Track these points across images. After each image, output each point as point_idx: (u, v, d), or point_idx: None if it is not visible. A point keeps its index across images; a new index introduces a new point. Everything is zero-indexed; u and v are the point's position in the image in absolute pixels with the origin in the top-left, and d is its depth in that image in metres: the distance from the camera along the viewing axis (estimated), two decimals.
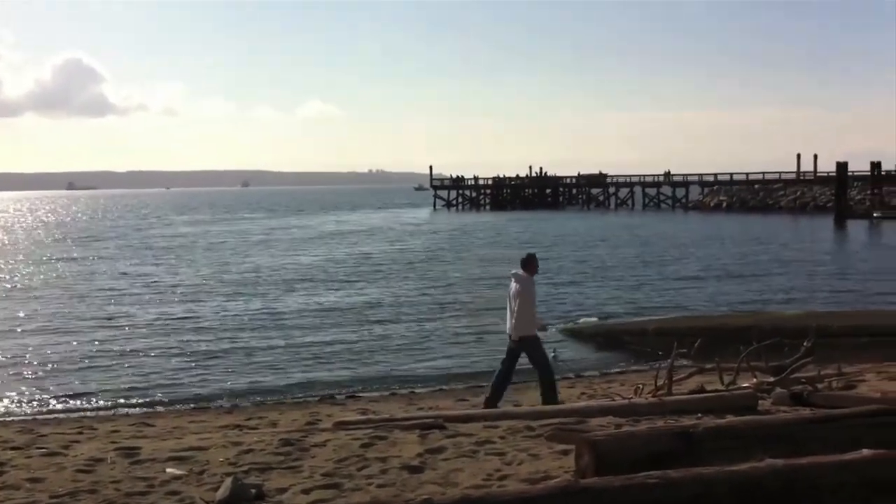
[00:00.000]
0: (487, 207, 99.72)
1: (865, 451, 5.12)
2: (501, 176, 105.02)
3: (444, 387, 13.83)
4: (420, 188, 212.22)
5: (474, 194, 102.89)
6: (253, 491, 5.53)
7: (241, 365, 15.85)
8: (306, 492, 5.60)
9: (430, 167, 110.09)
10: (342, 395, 13.30)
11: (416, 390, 13.55)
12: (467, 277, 30.43)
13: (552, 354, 14.73)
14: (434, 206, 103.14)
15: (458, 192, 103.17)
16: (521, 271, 10.65)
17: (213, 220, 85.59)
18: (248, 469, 6.28)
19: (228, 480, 5.53)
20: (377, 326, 20.10)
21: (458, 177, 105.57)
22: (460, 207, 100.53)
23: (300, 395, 13.45)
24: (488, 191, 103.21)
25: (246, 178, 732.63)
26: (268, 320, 21.07)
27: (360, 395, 13.39)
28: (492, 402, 10.29)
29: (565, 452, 6.21)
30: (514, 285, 10.57)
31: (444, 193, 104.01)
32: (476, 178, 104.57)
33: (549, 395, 10.20)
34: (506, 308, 10.66)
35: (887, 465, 4.99)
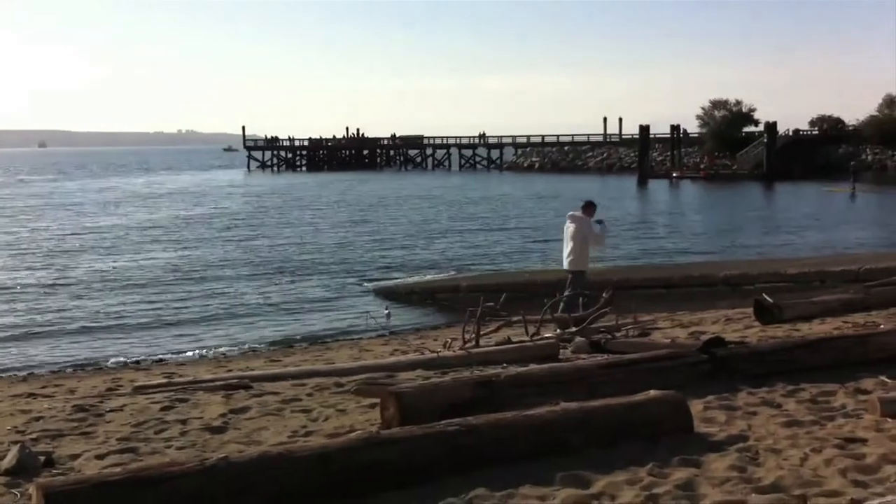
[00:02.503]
0: (303, 169, 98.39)
1: (652, 392, 5.40)
2: (318, 137, 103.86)
3: (256, 346, 13.60)
4: (229, 149, 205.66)
5: (290, 155, 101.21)
6: (42, 458, 5.22)
7: (35, 334, 14.98)
8: (100, 457, 5.34)
9: (244, 127, 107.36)
10: (148, 360, 12.82)
11: (227, 353, 13.24)
12: (281, 242, 30.01)
13: (385, 312, 14.85)
14: (248, 167, 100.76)
15: (273, 154, 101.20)
16: (579, 212, 12.14)
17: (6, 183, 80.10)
18: (37, 437, 5.94)
19: (15, 449, 5.19)
20: (190, 288, 19.53)
21: (272, 137, 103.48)
22: (275, 169, 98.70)
23: (101, 362, 12.86)
24: (304, 152, 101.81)
25: (42, 139, 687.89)
26: (75, 287, 20.02)
27: (168, 359, 12.95)
28: (576, 321, 10.51)
29: (373, 406, 6.22)
30: (571, 225, 12.04)
31: (258, 155, 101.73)
32: (291, 139, 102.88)
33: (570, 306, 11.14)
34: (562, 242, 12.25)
35: (669, 405, 5.29)
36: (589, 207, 12.29)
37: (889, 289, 11.31)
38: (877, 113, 78.83)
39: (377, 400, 5.98)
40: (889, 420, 5.41)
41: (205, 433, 5.87)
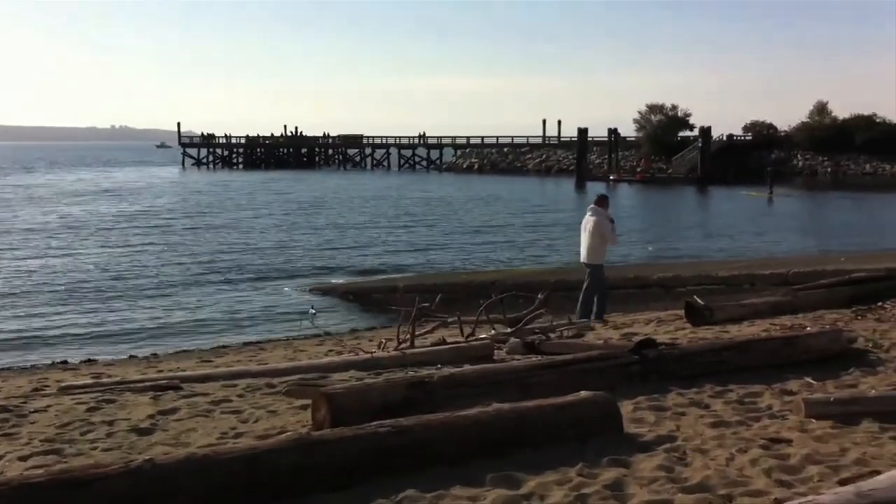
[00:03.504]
0: (240, 167, 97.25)
1: (583, 393, 5.44)
2: (256, 135, 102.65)
3: (187, 347, 13.38)
4: (163, 146, 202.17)
5: (226, 153, 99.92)
6: None
7: None
8: (23, 459, 5.20)
9: (178, 124, 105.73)
10: (76, 360, 12.52)
11: (158, 352, 13.00)
12: (217, 242, 29.63)
13: (312, 312, 14.69)
14: (183, 164, 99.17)
15: (210, 151, 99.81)
16: (597, 207, 12.48)
17: None
18: None
19: None
20: (122, 288, 19.15)
21: (208, 134, 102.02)
22: (211, 166, 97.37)
23: (28, 362, 12.53)
24: (241, 150, 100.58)
25: None
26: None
27: (97, 358, 12.67)
28: (599, 315, 12.03)
29: (304, 408, 6.15)
30: (592, 218, 12.36)
31: (193, 152, 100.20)
32: (228, 137, 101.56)
33: (585, 308, 12.19)
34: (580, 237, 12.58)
35: (599, 406, 5.34)
36: (603, 201, 12.71)
37: (816, 292, 11.56)
38: (808, 119, 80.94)
39: (309, 401, 5.92)
40: (813, 421, 5.53)
41: (132, 435, 5.75)
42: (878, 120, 78.74)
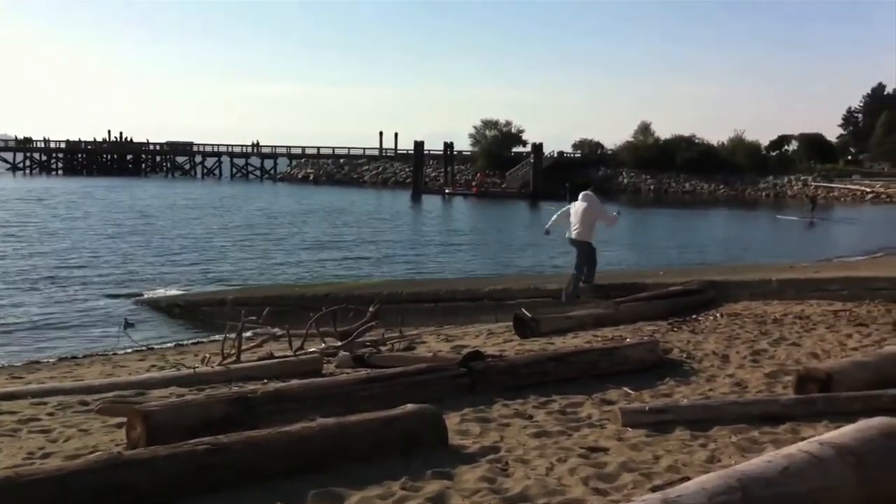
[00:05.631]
0: (60, 173, 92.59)
1: (409, 406, 5.43)
2: (77, 139, 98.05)
3: None
4: None
5: (44, 158, 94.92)
6: None
7: None
8: None
9: None
10: None
11: None
12: (33, 252, 28.06)
13: (125, 324, 14.04)
14: None
15: (26, 155, 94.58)
16: (589, 192, 14.98)
17: None
18: None
19: None
20: None
21: (25, 138, 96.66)
22: (28, 172, 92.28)
23: None
24: (61, 154, 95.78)
25: None
26: None
27: None
28: (573, 295, 14.11)
29: (120, 426, 5.86)
30: (582, 203, 14.54)
31: (8, 156, 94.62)
32: (46, 141, 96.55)
33: (575, 286, 14.31)
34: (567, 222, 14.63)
35: (425, 419, 5.34)
36: (596, 192, 15.37)
37: (636, 304, 12.05)
38: (632, 139, 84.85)
39: (124, 419, 5.65)
40: (629, 429, 5.73)
41: None
42: (696, 141, 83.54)
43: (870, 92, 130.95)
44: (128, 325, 14.17)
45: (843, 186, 75.52)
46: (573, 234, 14.65)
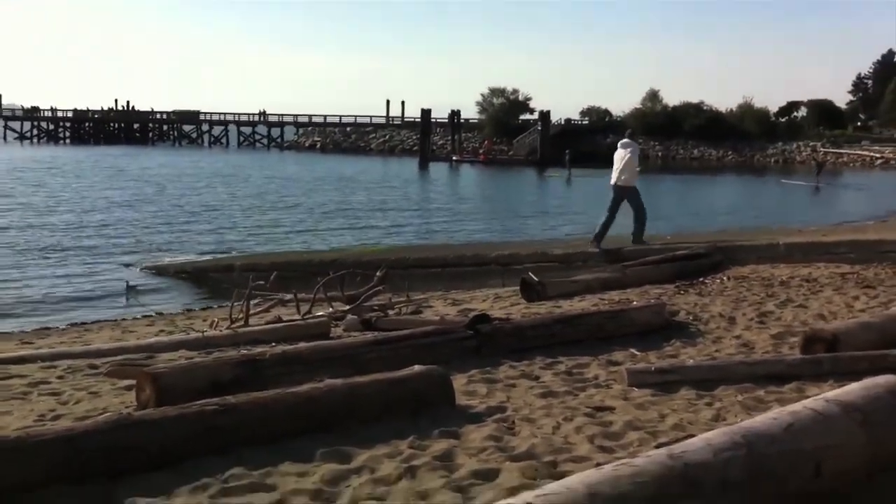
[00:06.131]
0: (67, 142, 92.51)
1: (416, 367, 5.46)
2: (84, 109, 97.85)
3: (7, 329, 12.62)
4: None
5: (52, 127, 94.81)
6: None
7: None
8: None
9: None
10: None
11: None
12: (45, 221, 28.14)
13: (129, 287, 14.13)
14: (4, 137, 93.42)
15: (34, 124, 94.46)
16: (628, 139, 15.54)
17: None
18: None
19: None
20: None
21: (32, 107, 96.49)
22: (36, 141, 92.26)
23: None
24: (68, 124, 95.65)
25: None
26: None
27: None
28: (598, 239, 15.18)
29: (129, 389, 5.90)
30: (621, 151, 15.18)
31: (16, 125, 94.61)
32: (54, 110, 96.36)
33: (639, 232, 15.15)
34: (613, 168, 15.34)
35: (432, 379, 5.37)
36: (633, 135, 16.49)
37: (644, 268, 12.06)
38: (640, 106, 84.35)
39: (133, 382, 5.69)
40: (635, 389, 5.75)
41: None
42: (704, 108, 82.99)
43: (880, 58, 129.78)
44: (130, 288, 14.24)
45: (852, 152, 75.04)
46: (620, 181, 15.15)
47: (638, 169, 15.54)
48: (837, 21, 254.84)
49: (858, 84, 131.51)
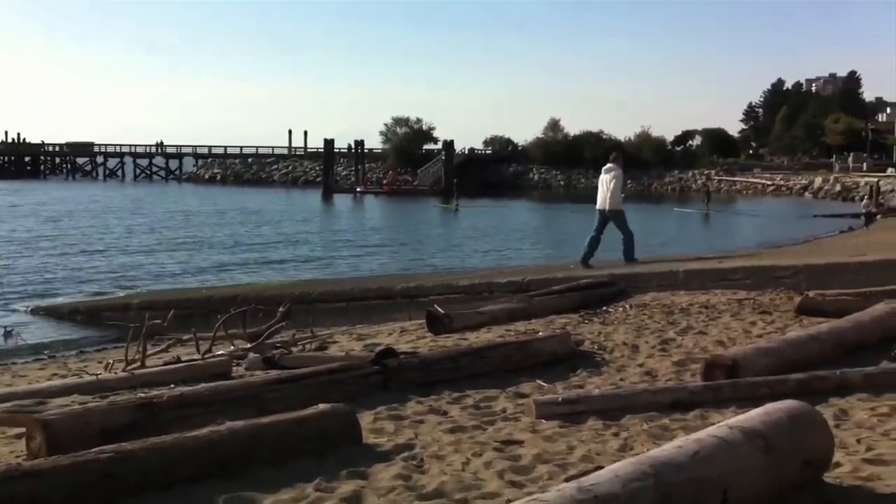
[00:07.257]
0: None
1: (321, 406, 5.34)
2: None
3: None
4: None
5: None
6: None
7: None
8: None
9: None
10: None
11: None
12: None
13: (6, 329, 13.60)
14: None
15: None
16: (612, 164, 15.72)
17: None
18: None
19: None
20: None
21: None
22: None
23: None
24: None
25: None
26: None
27: None
28: (586, 260, 15.44)
29: (19, 437, 5.62)
30: (605, 176, 15.60)
31: None
32: None
33: (630, 251, 15.66)
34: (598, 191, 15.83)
35: (338, 418, 5.26)
36: (617, 158, 16.21)
37: (548, 298, 12.14)
38: (542, 135, 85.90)
39: (23, 430, 5.41)
40: (543, 421, 5.74)
41: None
42: (604, 136, 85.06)
43: (769, 87, 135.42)
44: (7, 334, 13.71)
45: (744, 180, 77.87)
46: (607, 209, 15.55)
47: (622, 195, 16.02)
48: (728, 52, 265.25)
49: (749, 112, 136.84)
